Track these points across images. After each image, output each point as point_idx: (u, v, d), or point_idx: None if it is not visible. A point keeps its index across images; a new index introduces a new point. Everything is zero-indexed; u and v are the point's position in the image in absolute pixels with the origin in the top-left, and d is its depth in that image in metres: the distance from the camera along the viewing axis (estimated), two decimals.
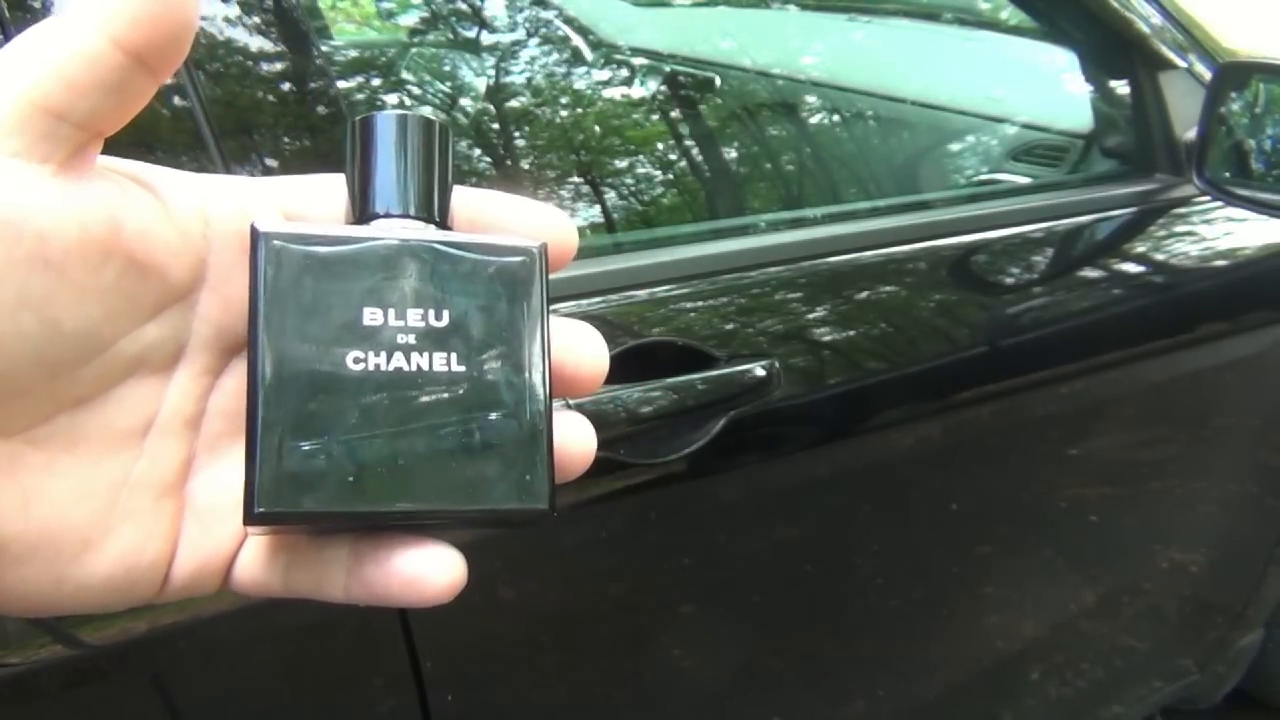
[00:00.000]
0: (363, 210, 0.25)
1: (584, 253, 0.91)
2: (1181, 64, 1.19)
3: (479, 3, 1.06)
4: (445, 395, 0.24)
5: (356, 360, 0.23)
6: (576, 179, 1.00)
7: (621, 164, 1.04)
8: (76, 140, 0.22)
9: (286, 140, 0.69)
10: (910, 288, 0.95)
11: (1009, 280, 1.03)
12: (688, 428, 0.79)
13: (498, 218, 0.27)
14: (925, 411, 0.96)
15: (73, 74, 0.21)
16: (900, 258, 0.95)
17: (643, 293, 0.81)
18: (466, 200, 0.27)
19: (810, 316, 0.89)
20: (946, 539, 1.03)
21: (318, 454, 0.22)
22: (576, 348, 0.26)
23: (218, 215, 0.24)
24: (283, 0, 0.71)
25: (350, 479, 0.23)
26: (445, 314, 0.24)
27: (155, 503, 0.24)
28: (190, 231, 0.24)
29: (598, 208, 1.01)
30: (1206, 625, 1.37)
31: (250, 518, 0.22)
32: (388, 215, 0.25)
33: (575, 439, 0.26)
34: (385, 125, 0.25)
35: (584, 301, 0.78)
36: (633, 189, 1.04)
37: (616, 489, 0.77)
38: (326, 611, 0.67)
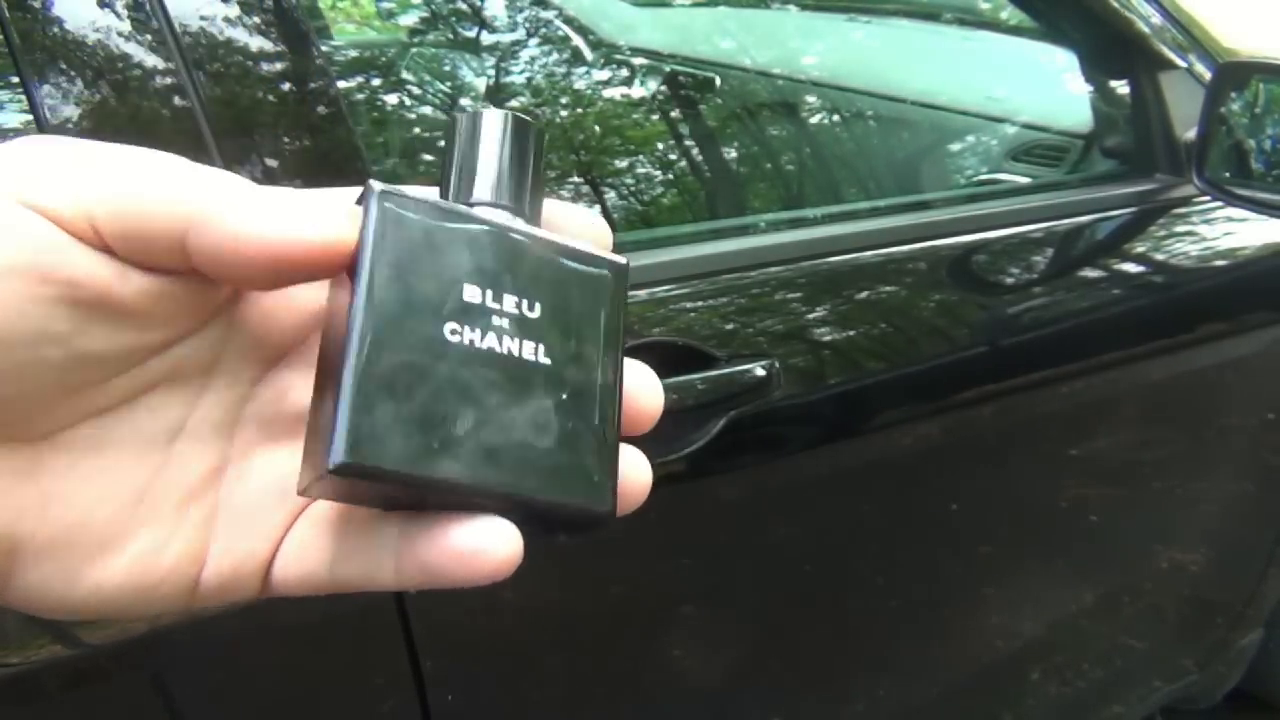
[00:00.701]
0: (464, 193, 0.25)
1: None
2: (1181, 64, 1.19)
3: (479, 3, 1.06)
4: (531, 383, 0.24)
5: (454, 332, 0.23)
6: (576, 179, 1.00)
7: (621, 164, 1.05)
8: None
9: (286, 140, 0.69)
10: (910, 288, 0.95)
11: (1009, 280, 1.03)
12: (688, 428, 0.79)
13: (552, 219, 0.27)
14: (925, 411, 0.96)
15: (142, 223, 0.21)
16: (900, 258, 0.95)
17: (643, 293, 0.81)
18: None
19: (810, 316, 0.89)
20: (946, 539, 1.03)
21: (406, 415, 0.22)
22: (640, 385, 0.26)
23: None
24: (283, 0, 0.71)
25: (435, 445, 0.22)
26: (538, 306, 0.24)
27: (178, 507, 0.24)
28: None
29: (598, 208, 1.01)
30: (1206, 625, 1.37)
31: (327, 470, 0.21)
32: (490, 204, 0.25)
33: (637, 474, 0.25)
34: (495, 121, 0.26)
35: None
36: (633, 189, 1.04)
37: None
38: (327, 611, 0.67)
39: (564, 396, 0.24)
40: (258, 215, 0.21)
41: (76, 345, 0.21)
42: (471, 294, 0.23)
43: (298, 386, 0.25)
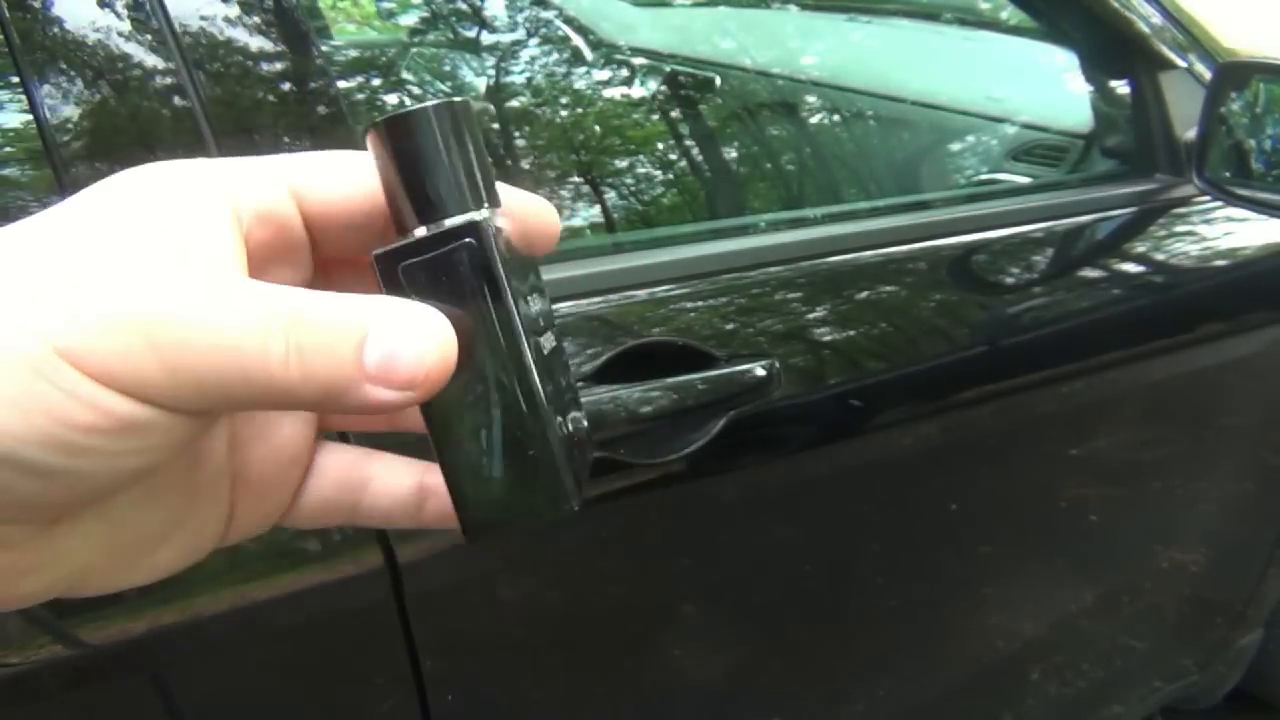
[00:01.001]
0: (435, 213, 0.24)
1: (584, 253, 0.92)
2: (1181, 64, 1.19)
3: (479, 3, 1.06)
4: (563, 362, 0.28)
5: (549, 344, 0.26)
6: (576, 179, 1.00)
7: (621, 164, 1.04)
8: None
9: (286, 140, 0.69)
10: (910, 288, 0.95)
11: (1009, 280, 1.03)
12: (688, 428, 0.79)
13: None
14: (925, 411, 0.96)
15: None
16: (900, 258, 0.95)
17: (643, 293, 0.81)
18: None
19: (810, 316, 0.89)
20: (947, 539, 1.03)
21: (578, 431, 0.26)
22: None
23: (248, 206, 0.25)
24: (283, 0, 0.71)
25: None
26: (538, 297, 0.27)
27: (212, 488, 0.25)
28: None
29: (598, 208, 1.01)
30: (1206, 625, 1.37)
31: (557, 515, 0.24)
32: (476, 209, 0.24)
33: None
34: (424, 120, 0.24)
35: (584, 301, 0.78)
36: (633, 189, 1.04)
37: (616, 489, 0.77)
38: (327, 610, 0.67)
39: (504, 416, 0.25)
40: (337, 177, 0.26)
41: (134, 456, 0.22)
42: (535, 304, 0.26)
43: None
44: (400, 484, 0.27)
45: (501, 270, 0.23)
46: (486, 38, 1.04)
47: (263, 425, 0.26)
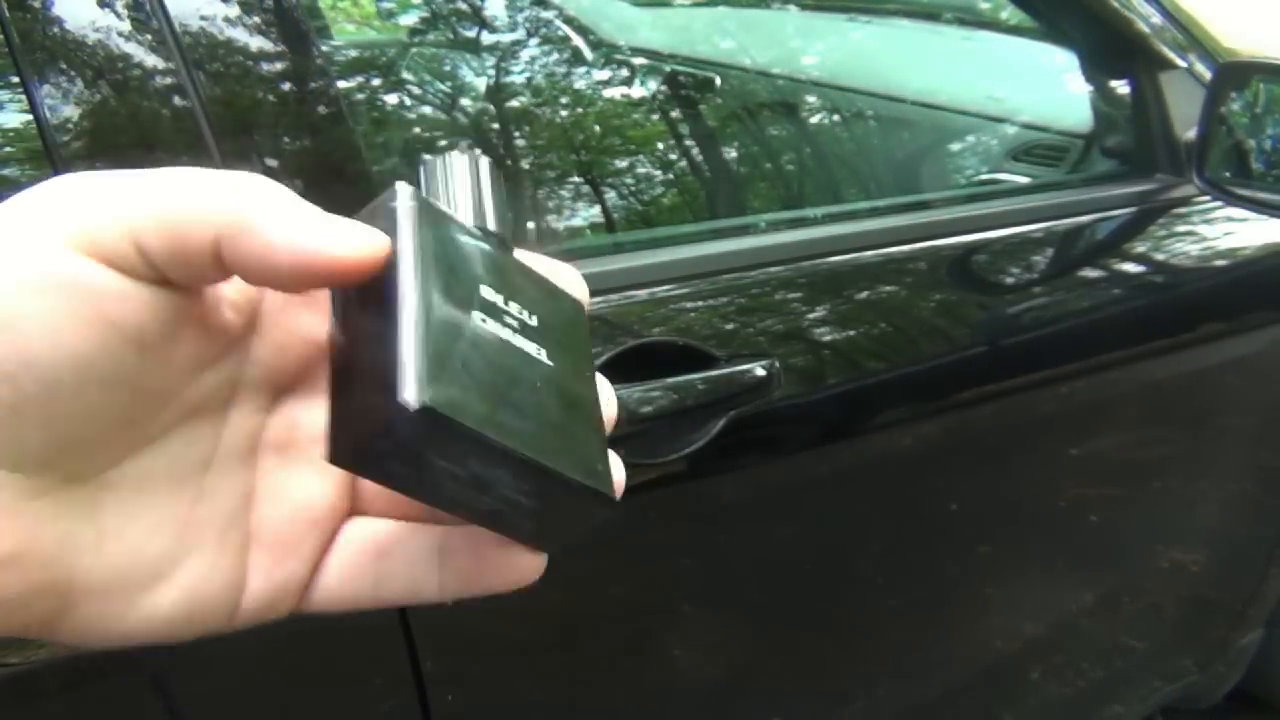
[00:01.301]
0: (466, 219, 0.27)
1: (584, 252, 0.91)
2: (1181, 64, 1.19)
3: (479, 3, 1.06)
4: (543, 376, 0.25)
5: (481, 320, 0.24)
6: (576, 179, 1.00)
7: (621, 164, 1.04)
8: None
9: (286, 140, 0.69)
10: (910, 288, 0.95)
11: (1009, 280, 1.03)
12: (688, 428, 0.79)
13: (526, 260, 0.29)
14: (925, 411, 0.96)
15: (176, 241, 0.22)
16: (900, 258, 0.95)
17: (643, 293, 0.81)
18: None
19: (810, 316, 0.89)
20: (947, 539, 1.03)
21: (460, 375, 0.23)
22: (603, 396, 0.28)
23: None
24: (283, 0, 0.71)
25: (487, 407, 0.23)
26: (535, 317, 0.26)
27: (221, 535, 0.25)
28: (248, 284, 0.25)
29: (598, 208, 1.01)
30: (1207, 625, 1.37)
31: (400, 405, 0.21)
32: (487, 231, 0.27)
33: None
34: (469, 162, 0.28)
35: None
36: (633, 189, 1.04)
37: None
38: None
39: (567, 394, 0.25)
40: (290, 227, 0.22)
41: (131, 378, 0.22)
42: (488, 294, 0.25)
43: (306, 414, 0.27)
44: (421, 545, 0.27)
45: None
46: (486, 38, 1.04)
47: (283, 482, 0.26)
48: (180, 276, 0.22)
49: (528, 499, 0.24)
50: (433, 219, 0.24)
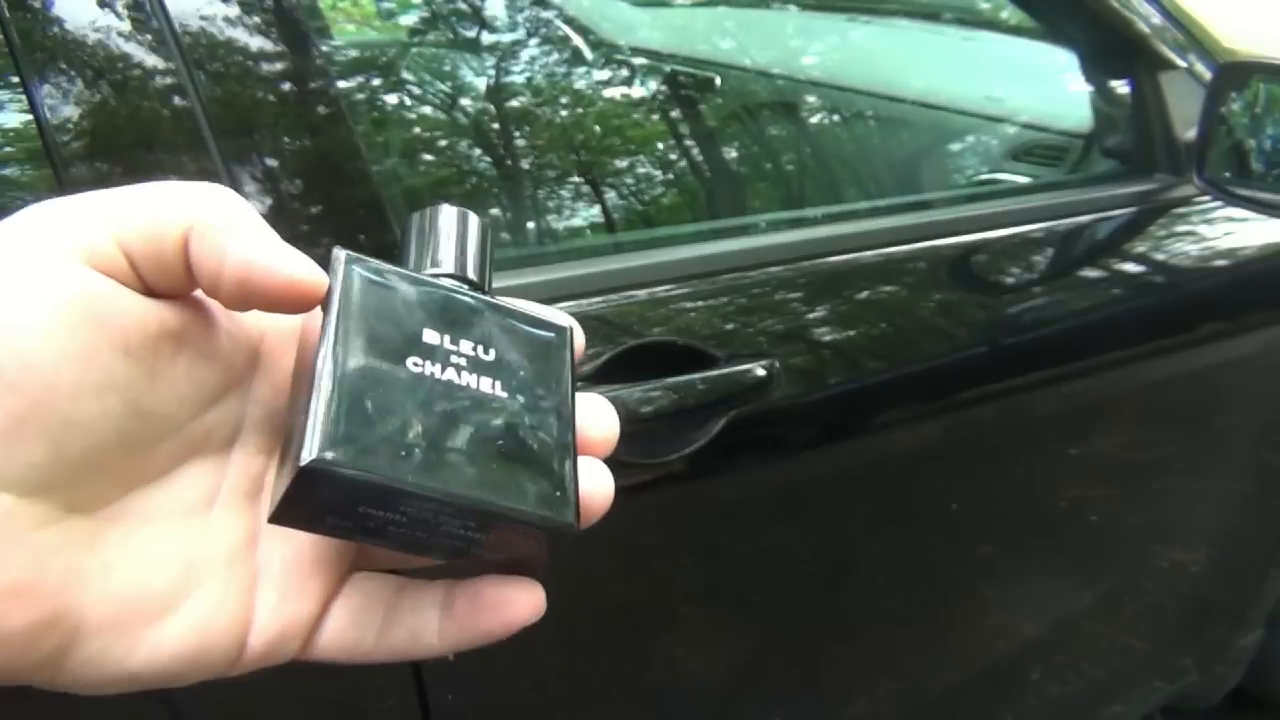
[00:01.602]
0: (424, 266, 0.28)
1: (584, 253, 0.92)
2: (1181, 64, 1.19)
3: (479, 3, 1.06)
4: (489, 409, 0.25)
5: (415, 364, 0.25)
6: (576, 179, 1.00)
7: (621, 164, 1.05)
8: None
9: (286, 140, 0.69)
10: (910, 288, 0.95)
11: (1009, 280, 1.03)
12: (688, 428, 0.79)
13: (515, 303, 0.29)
14: (925, 411, 0.96)
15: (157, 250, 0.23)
16: (900, 258, 0.95)
17: (643, 293, 0.81)
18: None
19: (810, 316, 0.89)
20: (947, 539, 1.03)
21: (373, 427, 0.23)
22: (596, 415, 0.29)
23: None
24: (283, 0, 0.71)
25: (401, 455, 0.23)
26: (492, 351, 0.26)
27: (226, 571, 0.25)
28: (247, 323, 0.26)
29: (598, 208, 1.01)
30: (1207, 625, 1.37)
31: (302, 468, 0.22)
32: (449, 275, 0.28)
33: (598, 486, 0.28)
34: (450, 213, 0.29)
35: (584, 301, 0.78)
36: (633, 189, 1.04)
37: (616, 489, 0.77)
38: None
39: (522, 421, 0.26)
40: (246, 239, 0.23)
41: (130, 396, 0.23)
42: (430, 337, 0.25)
43: None
44: (426, 597, 0.27)
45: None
46: (486, 38, 1.04)
47: None
48: (161, 282, 0.23)
49: (478, 533, 0.25)
50: (373, 274, 0.25)
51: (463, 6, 1.05)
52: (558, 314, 0.29)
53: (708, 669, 0.91)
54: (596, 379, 0.75)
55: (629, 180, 1.04)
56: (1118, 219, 1.14)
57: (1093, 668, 1.24)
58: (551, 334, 0.28)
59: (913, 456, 0.95)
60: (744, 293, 0.86)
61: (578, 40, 1.10)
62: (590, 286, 0.79)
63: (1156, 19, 1.19)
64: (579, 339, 0.29)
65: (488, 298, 0.28)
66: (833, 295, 0.91)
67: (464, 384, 0.25)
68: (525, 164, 1.00)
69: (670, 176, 1.08)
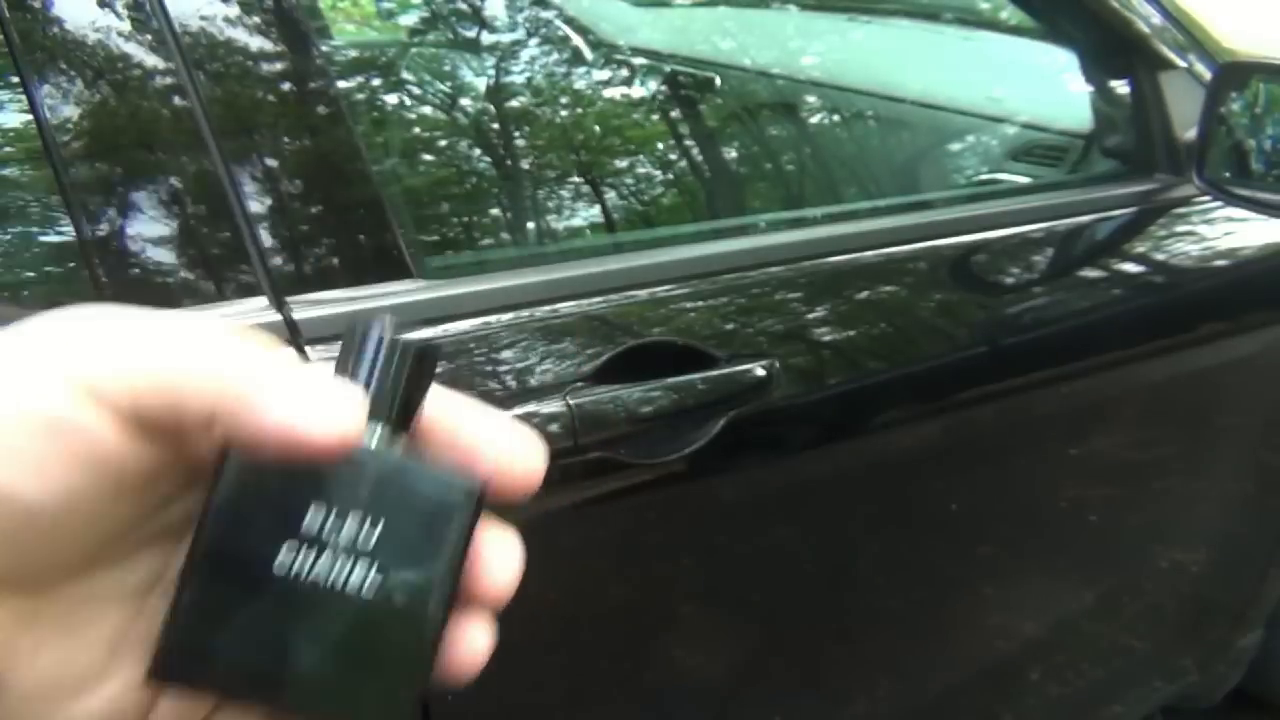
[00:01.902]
0: None
1: (584, 252, 0.92)
2: (1181, 64, 1.19)
3: (479, 3, 1.06)
4: (352, 605, 0.25)
5: (286, 556, 0.25)
6: (576, 179, 1.00)
7: (621, 164, 1.05)
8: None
9: (286, 140, 0.69)
10: (910, 288, 0.95)
11: (1009, 280, 1.03)
12: (688, 428, 0.79)
13: (463, 429, 0.27)
14: (925, 411, 0.96)
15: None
16: (900, 258, 0.95)
17: (643, 293, 0.81)
18: (444, 406, 0.27)
19: (810, 316, 0.89)
20: (947, 539, 1.03)
21: (222, 631, 0.24)
22: (498, 562, 0.27)
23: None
24: (283, 0, 0.71)
25: (243, 660, 0.25)
26: (380, 523, 0.25)
27: (146, 653, 0.25)
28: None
29: (598, 208, 1.01)
30: (1207, 625, 1.37)
31: (156, 675, 0.24)
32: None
33: (470, 651, 0.28)
34: (374, 334, 0.26)
35: (584, 301, 0.78)
36: (633, 189, 1.04)
37: (616, 489, 0.77)
38: None
39: (386, 619, 0.25)
40: (284, 409, 0.22)
41: (103, 514, 0.23)
42: (314, 517, 0.25)
43: None
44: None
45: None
46: (486, 38, 1.04)
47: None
48: (171, 438, 0.23)
49: None
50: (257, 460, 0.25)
51: (463, 6, 1.06)
52: (479, 458, 0.27)
53: (708, 669, 0.91)
54: (597, 379, 0.75)
55: (629, 180, 1.04)
56: (1118, 219, 1.13)
57: (1093, 668, 1.24)
58: (454, 493, 0.26)
59: (913, 457, 0.95)
60: (744, 293, 0.86)
61: (578, 40, 1.10)
62: (590, 286, 0.79)
63: (1156, 19, 1.19)
64: (531, 462, 0.27)
65: (395, 450, 0.26)
66: (832, 295, 0.91)
67: (332, 579, 0.25)
68: (525, 164, 1.00)
69: (670, 177, 1.08)
